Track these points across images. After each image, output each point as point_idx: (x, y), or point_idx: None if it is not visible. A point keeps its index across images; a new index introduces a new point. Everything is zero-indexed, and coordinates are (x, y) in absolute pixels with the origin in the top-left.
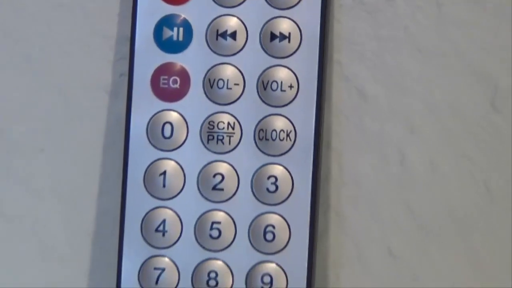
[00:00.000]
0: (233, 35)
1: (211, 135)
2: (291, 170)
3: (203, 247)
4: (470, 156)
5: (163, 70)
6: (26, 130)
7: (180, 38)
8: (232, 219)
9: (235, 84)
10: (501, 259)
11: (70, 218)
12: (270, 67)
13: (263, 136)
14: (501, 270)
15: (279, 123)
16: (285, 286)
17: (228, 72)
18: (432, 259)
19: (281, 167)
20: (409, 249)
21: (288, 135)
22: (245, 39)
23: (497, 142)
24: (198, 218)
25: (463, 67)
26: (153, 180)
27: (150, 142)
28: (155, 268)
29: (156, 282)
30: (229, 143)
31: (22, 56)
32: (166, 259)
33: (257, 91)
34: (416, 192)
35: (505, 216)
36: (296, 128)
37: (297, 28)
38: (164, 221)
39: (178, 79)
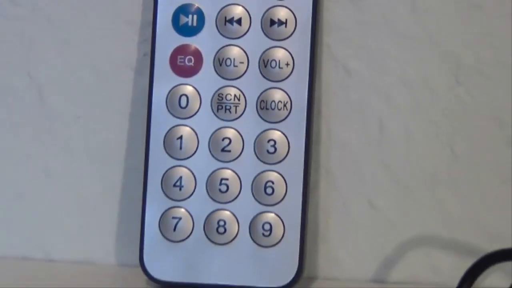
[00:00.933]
0: (239, 21)
1: (220, 105)
2: (287, 135)
3: (213, 200)
4: (438, 123)
5: (180, 50)
6: (65, 100)
7: (194, 24)
8: (238, 176)
9: (240, 63)
10: (463, 209)
11: (101, 174)
12: (270, 48)
13: (264, 106)
14: (463, 218)
15: (277, 95)
16: (282, 232)
17: (235, 52)
18: (406, 209)
19: (279, 132)
20: (387, 201)
21: (285, 105)
22: (248, 25)
23: (461, 111)
24: (209, 175)
25: (432, 48)
26: (172, 143)
27: (169, 111)
28: (173, 217)
29: (174, 229)
30: (236, 112)
31: (62, 39)
32: (182, 210)
33: (259, 68)
34: (393, 153)
35: (467, 173)
36: (291, 99)
37: (293, 15)
38: (180, 177)
39: (193, 58)
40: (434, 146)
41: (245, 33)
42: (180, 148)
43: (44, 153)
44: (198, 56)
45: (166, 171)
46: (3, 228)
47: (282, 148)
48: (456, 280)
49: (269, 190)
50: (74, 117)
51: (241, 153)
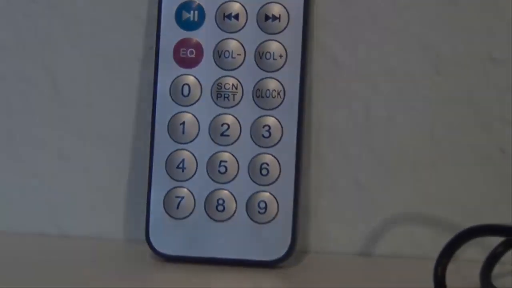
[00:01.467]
0: (236, 16)
1: (219, 93)
2: (281, 120)
3: (213, 180)
4: (419, 109)
5: (182, 43)
6: (78, 90)
7: (196, 19)
8: (236, 158)
9: (238, 54)
10: (440, 186)
11: (110, 157)
12: (265, 41)
13: (259, 94)
14: (440, 194)
15: (272, 84)
16: (276, 210)
17: (232, 45)
18: (389, 187)
19: (273, 118)
20: (372, 181)
21: (278, 93)
22: (245, 20)
23: (440, 98)
24: (209, 158)
25: (413, 40)
26: (175, 128)
27: (172, 99)
28: (176, 196)
29: (177, 207)
30: (233, 100)
31: (75, 32)
32: (185, 189)
33: (255, 60)
34: (377, 137)
35: (444, 154)
36: (285, 88)
37: (286, 11)
38: (183, 160)
39: (194, 51)
40: (415, 131)
41: (242, 28)
42: (183, 133)
43: (58, 138)
44: (199, 48)
45: (170, 154)
46: (21, 207)
47: (276, 133)
48: (436, 253)
49: (264, 171)
50: (86, 105)
51: (238, 137)
